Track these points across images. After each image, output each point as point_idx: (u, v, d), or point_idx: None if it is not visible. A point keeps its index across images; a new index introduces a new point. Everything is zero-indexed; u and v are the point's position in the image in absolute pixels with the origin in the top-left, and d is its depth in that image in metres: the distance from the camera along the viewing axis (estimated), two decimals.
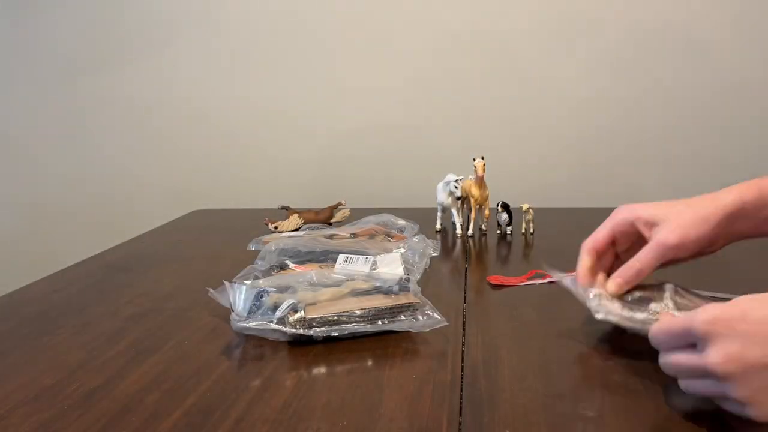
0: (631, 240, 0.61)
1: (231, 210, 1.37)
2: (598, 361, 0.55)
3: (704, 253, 0.59)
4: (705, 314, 0.42)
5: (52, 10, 1.50)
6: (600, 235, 0.61)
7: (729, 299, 0.44)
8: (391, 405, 0.49)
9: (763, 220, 0.57)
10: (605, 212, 0.63)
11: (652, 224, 0.58)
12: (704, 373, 0.42)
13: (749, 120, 1.31)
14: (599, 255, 0.61)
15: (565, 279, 0.62)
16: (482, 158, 1.01)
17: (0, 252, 1.63)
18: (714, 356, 0.40)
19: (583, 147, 1.37)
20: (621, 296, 0.58)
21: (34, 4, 1.50)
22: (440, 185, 1.06)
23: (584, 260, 0.60)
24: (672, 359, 0.45)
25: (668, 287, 0.58)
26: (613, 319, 0.56)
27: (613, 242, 0.61)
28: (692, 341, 0.43)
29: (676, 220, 0.56)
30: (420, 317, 0.63)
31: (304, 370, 0.56)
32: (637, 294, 0.58)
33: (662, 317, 0.52)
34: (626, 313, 0.56)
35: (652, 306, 0.56)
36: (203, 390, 0.52)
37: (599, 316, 0.57)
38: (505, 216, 1.04)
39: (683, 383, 0.45)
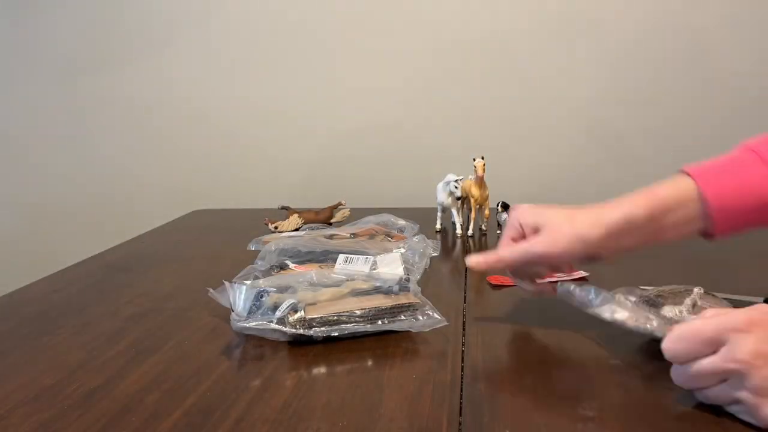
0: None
1: (231, 210, 1.37)
2: (598, 361, 0.55)
3: (591, 260, 0.60)
4: (743, 315, 0.43)
5: (52, 10, 1.50)
6: (503, 241, 0.64)
7: (751, 302, 0.45)
8: (391, 405, 0.49)
9: (651, 233, 0.58)
10: None
11: (533, 229, 0.61)
12: (727, 373, 0.42)
13: (750, 119, 1.31)
14: None
15: (566, 286, 0.62)
16: (482, 158, 1.01)
17: (0, 252, 1.63)
18: (743, 350, 0.41)
19: (583, 147, 1.37)
20: (637, 294, 0.58)
21: (34, 4, 1.50)
22: (440, 185, 1.06)
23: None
24: (696, 368, 0.44)
25: (695, 291, 0.59)
26: (620, 318, 0.55)
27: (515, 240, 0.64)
28: (717, 347, 0.43)
29: (551, 232, 0.59)
30: (420, 317, 0.63)
31: (304, 370, 0.56)
32: (654, 292, 0.59)
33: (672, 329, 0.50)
34: (635, 314, 0.55)
35: (666, 310, 0.56)
36: (203, 390, 0.52)
37: (607, 315, 0.56)
38: (505, 216, 1.04)
39: (703, 394, 0.45)
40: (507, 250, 0.62)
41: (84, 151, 1.56)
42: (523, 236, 0.62)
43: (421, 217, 1.05)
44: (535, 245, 0.59)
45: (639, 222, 0.57)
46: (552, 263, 0.64)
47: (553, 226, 0.59)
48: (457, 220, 1.05)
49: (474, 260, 0.63)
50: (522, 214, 0.62)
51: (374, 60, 1.40)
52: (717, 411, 0.45)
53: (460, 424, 0.46)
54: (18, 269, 1.37)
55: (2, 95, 1.56)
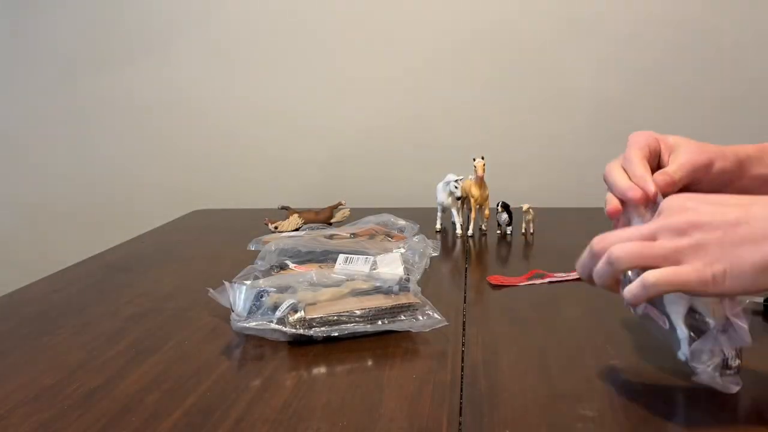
0: (654, 163, 0.58)
1: (231, 210, 1.37)
2: (598, 361, 0.55)
3: (720, 190, 0.58)
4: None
5: (52, 10, 1.50)
6: (645, 142, 0.58)
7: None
8: (391, 405, 0.49)
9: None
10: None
11: (673, 146, 0.58)
12: (656, 231, 0.44)
13: (758, 119, 1.30)
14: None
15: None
16: (482, 158, 1.01)
17: (0, 252, 1.63)
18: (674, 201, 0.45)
19: (583, 147, 1.37)
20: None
21: (34, 4, 1.50)
22: (440, 185, 1.06)
23: (640, 165, 0.55)
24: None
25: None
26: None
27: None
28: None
29: (699, 145, 0.58)
30: (420, 317, 0.63)
31: (304, 370, 0.56)
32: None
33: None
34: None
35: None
36: (203, 390, 0.52)
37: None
38: (505, 216, 1.04)
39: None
40: (673, 167, 0.54)
41: (84, 151, 1.56)
42: (657, 152, 0.58)
43: (421, 217, 1.05)
44: (699, 154, 0.56)
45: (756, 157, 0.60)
46: (703, 180, 0.57)
47: (696, 144, 0.58)
48: (457, 220, 1.05)
49: (667, 177, 0.53)
50: (650, 133, 0.59)
51: (374, 60, 1.40)
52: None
53: (460, 424, 0.46)
54: (18, 269, 1.37)
55: (2, 95, 1.56)
